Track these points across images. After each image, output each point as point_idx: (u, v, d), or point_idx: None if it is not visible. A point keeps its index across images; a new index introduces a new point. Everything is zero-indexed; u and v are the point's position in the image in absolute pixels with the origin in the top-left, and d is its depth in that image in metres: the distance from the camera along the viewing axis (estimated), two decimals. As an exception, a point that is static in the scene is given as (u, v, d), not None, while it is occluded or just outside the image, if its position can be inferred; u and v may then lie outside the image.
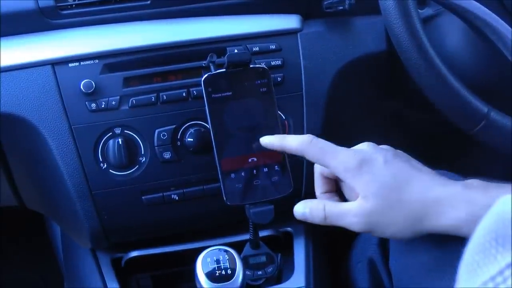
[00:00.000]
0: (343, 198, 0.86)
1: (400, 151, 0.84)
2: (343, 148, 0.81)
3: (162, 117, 0.97)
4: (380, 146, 0.83)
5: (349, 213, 0.79)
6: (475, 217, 0.71)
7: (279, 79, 1.00)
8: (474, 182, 0.76)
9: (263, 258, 1.01)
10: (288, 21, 1.04)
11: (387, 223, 0.77)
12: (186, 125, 0.98)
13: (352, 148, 0.82)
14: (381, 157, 0.78)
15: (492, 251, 0.39)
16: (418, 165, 0.81)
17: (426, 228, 0.76)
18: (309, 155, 0.82)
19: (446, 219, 0.74)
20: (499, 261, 0.38)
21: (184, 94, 0.98)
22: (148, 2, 1.01)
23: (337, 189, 0.87)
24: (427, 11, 1.06)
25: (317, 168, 0.87)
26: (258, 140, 0.89)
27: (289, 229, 1.07)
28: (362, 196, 0.78)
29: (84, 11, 1.00)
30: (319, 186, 0.88)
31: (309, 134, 0.83)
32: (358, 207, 0.78)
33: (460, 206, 0.73)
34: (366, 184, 0.77)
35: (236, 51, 0.97)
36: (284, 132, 1.00)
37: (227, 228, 1.05)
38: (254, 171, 0.89)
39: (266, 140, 0.87)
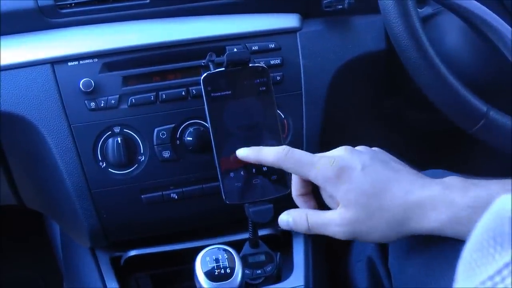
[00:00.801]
0: (320, 201, 0.86)
1: (378, 150, 0.84)
2: (320, 156, 0.81)
3: (161, 116, 0.97)
4: (357, 148, 0.83)
5: (331, 223, 0.79)
6: (457, 218, 0.72)
7: (278, 78, 1.00)
8: (453, 180, 0.76)
9: (262, 257, 1.00)
10: (287, 20, 1.04)
11: (370, 230, 0.77)
12: (185, 124, 0.98)
13: (328, 154, 0.82)
14: (359, 164, 0.78)
15: (490, 250, 0.39)
16: (398, 165, 0.81)
17: (409, 231, 0.76)
18: (286, 168, 0.82)
19: (428, 221, 0.74)
20: (497, 260, 0.38)
21: (183, 93, 0.98)
22: (148, 1, 1.01)
23: (313, 190, 0.87)
24: (427, 10, 1.06)
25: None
26: (258, 139, 0.89)
27: (288, 228, 1.07)
28: (343, 205, 0.78)
29: (83, 10, 1.00)
30: (296, 188, 0.88)
31: (285, 146, 0.84)
32: (339, 217, 0.78)
33: (441, 208, 0.73)
34: (346, 193, 0.77)
35: (235, 50, 0.97)
36: (283, 131, 1.00)
37: (226, 227, 1.05)
38: (253, 170, 0.89)
39: (242, 153, 0.87)
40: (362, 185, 0.77)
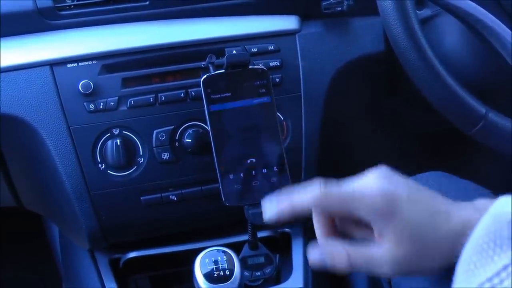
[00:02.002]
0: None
1: (415, 181, 0.72)
2: (362, 187, 0.68)
3: (160, 117, 0.97)
4: (395, 175, 0.70)
5: (380, 261, 0.67)
6: None
7: (277, 80, 1.00)
8: (480, 203, 0.67)
9: (262, 259, 1.01)
10: (286, 22, 1.04)
11: (425, 264, 0.67)
12: (185, 125, 0.98)
13: (364, 184, 0.68)
14: (405, 194, 0.67)
15: (489, 252, 0.39)
16: (439, 196, 0.70)
17: (456, 259, 0.65)
18: (329, 209, 0.70)
19: None
20: (496, 262, 0.38)
21: (182, 95, 0.98)
22: (147, 2, 1.01)
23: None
24: (426, 12, 1.06)
25: (317, 207, 0.71)
26: (257, 141, 0.89)
27: (287, 230, 1.07)
28: (395, 242, 0.66)
29: (83, 12, 1.00)
30: (322, 231, 0.73)
31: (316, 184, 0.68)
32: (392, 254, 0.66)
33: None
34: (398, 229, 0.66)
35: (235, 52, 0.97)
36: (283, 133, 1.00)
37: (226, 229, 1.05)
38: (253, 172, 0.89)
39: (271, 212, 0.69)
40: (414, 218, 0.66)
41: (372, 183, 0.68)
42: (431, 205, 0.67)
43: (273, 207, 0.69)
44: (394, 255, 0.66)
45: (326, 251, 0.69)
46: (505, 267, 0.37)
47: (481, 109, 0.88)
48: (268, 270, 1.00)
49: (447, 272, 0.72)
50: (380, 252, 0.67)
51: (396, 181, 0.68)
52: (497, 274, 0.38)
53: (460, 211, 0.67)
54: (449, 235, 0.65)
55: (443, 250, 0.65)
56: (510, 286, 0.36)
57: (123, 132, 0.96)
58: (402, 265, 0.66)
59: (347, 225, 0.73)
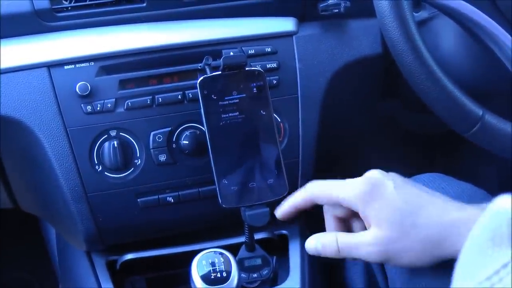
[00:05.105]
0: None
1: (408, 179, 0.80)
2: (349, 179, 0.78)
3: (157, 119, 0.97)
4: (388, 173, 0.79)
5: (363, 243, 0.75)
6: None
7: (274, 81, 1.00)
8: (476, 207, 0.72)
9: (259, 261, 1.00)
10: (283, 24, 1.04)
11: (404, 250, 0.73)
12: (182, 127, 0.98)
13: (361, 177, 0.78)
14: (391, 182, 0.75)
15: (488, 251, 0.39)
16: (429, 190, 0.77)
17: (444, 254, 0.72)
18: (320, 197, 0.80)
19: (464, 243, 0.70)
20: (495, 260, 0.38)
21: (179, 97, 0.98)
22: (144, 4, 1.01)
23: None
24: (423, 14, 1.06)
25: (329, 210, 0.83)
26: (254, 143, 0.89)
27: (284, 231, 1.07)
28: (376, 224, 0.74)
29: (80, 14, 1.00)
30: (331, 229, 0.83)
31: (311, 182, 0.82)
32: (372, 236, 0.74)
33: None
34: (379, 211, 0.74)
35: (231, 53, 0.97)
36: (279, 134, 1.00)
37: (223, 230, 1.05)
38: (250, 173, 0.89)
39: (280, 213, 0.85)
40: (395, 202, 0.73)
41: (362, 177, 0.77)
42: (414, 196, 0.74)
43: (282, 209, 0.84)
44: (375, 237, 0.73)
45: (319, 238, 0.80)
46: (504, 266, 0.37)
47: (478, 111, 0.88)
48: (265, 272, 1.00)
49: (444, 271, 0.73)
50: (363, 234, 0.75)
51: (387, 175, 0.76)
52: (496, 272, 0.38)
53: (461, 209, 0.72)
54: (433, 230, 0.71)
55: (423, 237, 0.72)
56: (509, 285, 0.36)
57: (120, 133, 0.96)
58: (383, 246, 0.73)
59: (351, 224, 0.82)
